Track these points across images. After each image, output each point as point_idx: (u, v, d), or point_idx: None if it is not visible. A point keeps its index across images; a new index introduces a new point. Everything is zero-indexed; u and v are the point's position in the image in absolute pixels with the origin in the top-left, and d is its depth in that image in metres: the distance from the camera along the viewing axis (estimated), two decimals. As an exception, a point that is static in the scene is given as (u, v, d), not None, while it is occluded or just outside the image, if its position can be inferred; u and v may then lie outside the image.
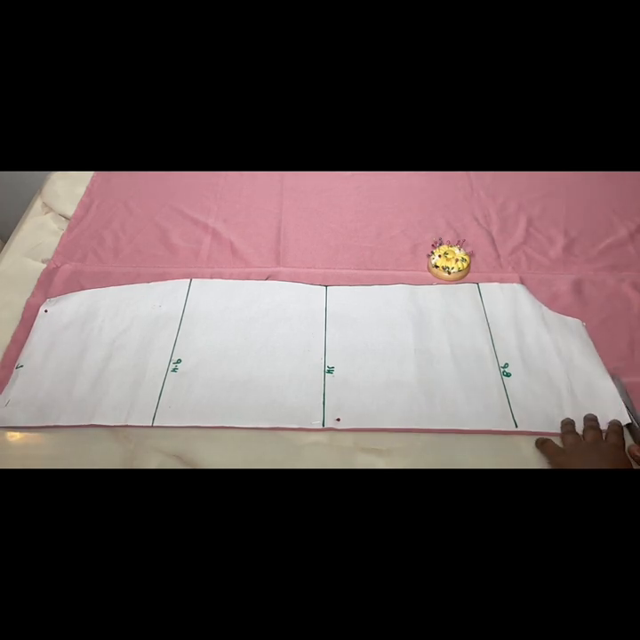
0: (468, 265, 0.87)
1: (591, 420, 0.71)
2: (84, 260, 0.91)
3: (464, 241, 0.92)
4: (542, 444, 0.69)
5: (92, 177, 1.08)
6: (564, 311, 0.82)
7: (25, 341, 0.78)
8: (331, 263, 0.90)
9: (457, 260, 0.86)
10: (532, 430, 0.68)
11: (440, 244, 0.90)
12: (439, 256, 0.87)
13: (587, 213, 0.99)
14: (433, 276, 0.88)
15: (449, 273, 0.86)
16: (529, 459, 0.66)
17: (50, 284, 0.86)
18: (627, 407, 0.70)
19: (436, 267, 0.87)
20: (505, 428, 0.68)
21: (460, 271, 0.86)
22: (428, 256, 0.90)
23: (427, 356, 0.76)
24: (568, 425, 0.70)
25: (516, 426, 0.68)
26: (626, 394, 0.72)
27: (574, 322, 0.80)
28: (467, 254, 0.88)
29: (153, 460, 0.66)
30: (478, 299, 0.84)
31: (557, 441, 0.67)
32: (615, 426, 0.70)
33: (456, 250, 0.88)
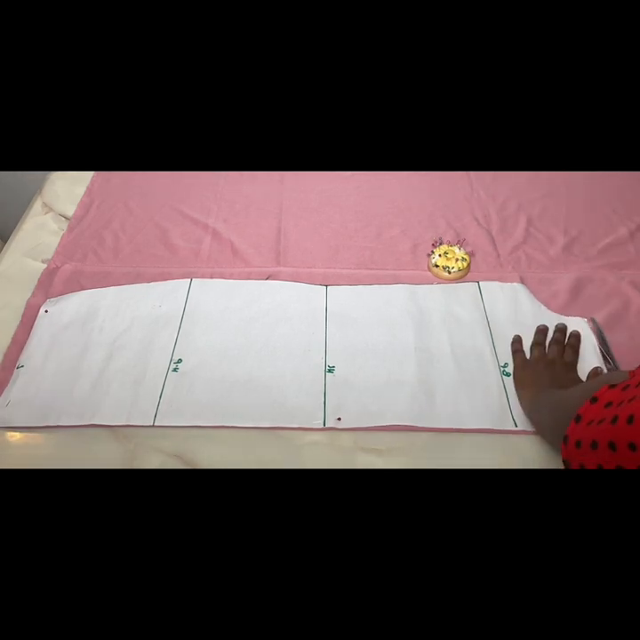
0: (469, 264, 0.87)
1: (559, 332, 0.76)
2: (84, 259, 0.91)
3: (464, 240, 0.92)
4: (514, 352, 0.74)
5: (92, 177, 1.08)
6: (564, 310, 0.82)
7: (25, 342, 0.78)
8: (331, 263, 0.90)
9: (457, 260, 0.86)
10: (532, 430, 0.68)
11: (440, 244, 0.90)
12: (439, 255, 0.87)
13: (587, 213, 0.99)
14: (433, 276, 0.88)
15: (449, 272, 0.86)
16: (529, 459, 0.66)
17: (50, 284, 0.86)
18: (603, 350, 0.72)
19: (437, 266, 0.87)
20: (504, 428, 0.68)
21: (460, 271, 0.86)
22: (428, 255, 0.90)
23: (427, 355, 0.76)
24: (539, 334, 0.76)
25: (516, 425, 0.68)
26: (603, 338, 0.74)
27: (575, 320, 0.80)
28: (467, 254, 0.88)
29: (153, 459, 0.66)
30: (478, 298, 0.84)
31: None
32: (573, 339, 0.75)
33: (456, 249, 0.88)
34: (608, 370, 0.71)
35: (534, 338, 0.77)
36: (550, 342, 0.76)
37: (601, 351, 0.73)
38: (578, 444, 0.45)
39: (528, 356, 0.75)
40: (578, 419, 0.47)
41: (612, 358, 0.72)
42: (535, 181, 1.05)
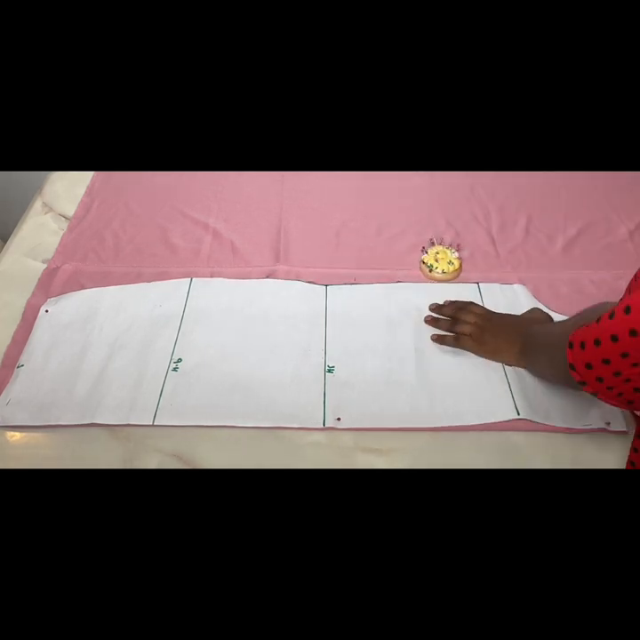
0: (457, 270, 0.87)
1: (447, 307, 0.80)
2: (84, 259, 0.91)
3: (459, 245, 0.91)
4: (453, 340, 0.76)
5: (92, 177, 1.08)
6: (564, 310, 0.82)
7: (25, 341, 0.78)
8: (331, 262, 0.90)
9: (444, 261, 0.86)
10: (534, 423, 0.68)
11: (432, 245, 0.89)
12: (426, 253, 0.88)
13: (586, 213, 0.99)
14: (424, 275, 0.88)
15: (431, 270, 0.86)
16: (529, 459, 0.66)
17: (50, 284, 0.86)
18: None
19: (423, 263, 0.87)
20: (506, 418, 0.68)
21: (444, 274, 0.86)
22: (420, 254, 0.89)
23: (427, 354, 0.76)
24: (443, 319, 0.79)
25: (518, 414, 0.68)
26: None
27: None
28: (457, 258, 0.87)
29: (153, 459, 0.66)
30: (479, 299, 0.84)
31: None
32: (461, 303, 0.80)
33: (449, 252, 0.88)
34: None
35: (447, 322, 0.78)
36: (453, 318, 0.78)
37: None
38: (582, 345, 0.52)
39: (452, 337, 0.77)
40: (571, 345, 0.54)
41: None
42: (535, 181, 1.05)
